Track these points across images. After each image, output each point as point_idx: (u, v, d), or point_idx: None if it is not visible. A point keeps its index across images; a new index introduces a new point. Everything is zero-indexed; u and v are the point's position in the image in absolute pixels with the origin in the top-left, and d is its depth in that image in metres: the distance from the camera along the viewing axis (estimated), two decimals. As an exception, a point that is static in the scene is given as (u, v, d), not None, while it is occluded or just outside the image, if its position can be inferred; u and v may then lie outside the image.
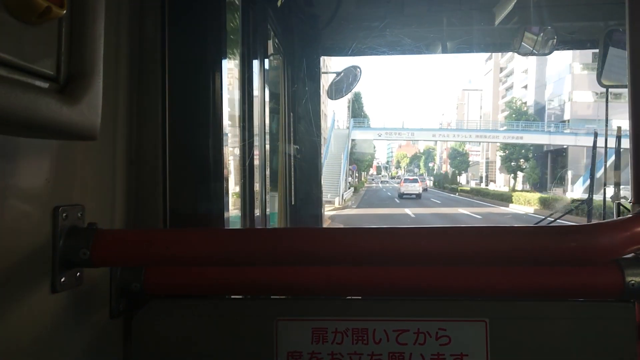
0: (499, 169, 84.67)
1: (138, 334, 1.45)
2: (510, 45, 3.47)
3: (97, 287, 1.34)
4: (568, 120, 58.33)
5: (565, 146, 54.89)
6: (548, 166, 60.84)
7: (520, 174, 62.77)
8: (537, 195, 36.41)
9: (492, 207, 37.24)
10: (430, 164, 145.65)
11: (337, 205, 32.78)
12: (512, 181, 63.90)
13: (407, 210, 31.49)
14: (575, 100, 58.44)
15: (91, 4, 0.95)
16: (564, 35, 3.41)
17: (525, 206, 33.49)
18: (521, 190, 51.14)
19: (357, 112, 55.90)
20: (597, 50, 2.79)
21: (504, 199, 41.07)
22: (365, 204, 39.40)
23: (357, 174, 62.86)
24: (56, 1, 0.81)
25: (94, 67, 0.94)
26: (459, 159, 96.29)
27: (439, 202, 44.07)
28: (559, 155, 59.13)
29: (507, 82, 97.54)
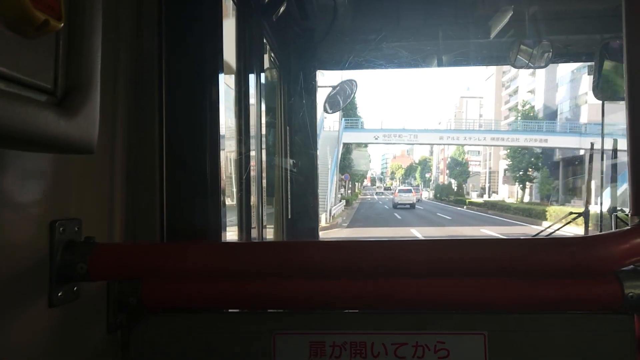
0: (502, 179, 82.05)
1: (135, 348, 1.43)
2: (506, 58, 3.49)
3: (94, 301, 1.32)
4: (585, 124, 54.21)
5: (581, 152, 49.54)
6: (560, 176, 57.62)
7: (527, 184, 58.68)
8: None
9: (522, 225, 30.91)
10: (427, 175, 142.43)
11: (323, 224, 26.69)
12: (519, 192, 59.85)
13: (414, 231, 25.92)
14: (593, 103, 51.71)
15: (88, 17, 0.95)
16: (560, 48, 3.43)
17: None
18: (537, 203, 47.18)
19: (350, 114, 50.04)
20: (593, 63, 2.81)
21: (534, 214, 34.74)
22: (360, 221, 33.28)
23: (350, 185, 58.79)
24: (54, 14, 0.81)
25: (91, 81, 0.93)
26: (459, 169, 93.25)
27: (448, 217, 39.01)
28: (571, 164, 55.79)
29: (510, 87, 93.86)
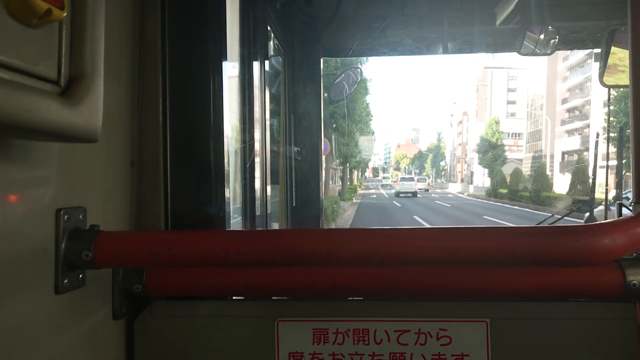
0: (559, 165, 64.72)
1: (140, 335, 1.45)
2: (512, 45, 3.46)
3: (99, 288, 1.34)
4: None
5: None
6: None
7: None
8: None
9: None
10: (442, 163, 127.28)
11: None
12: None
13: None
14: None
15: (91, 6, 0.95)
16: (566, 34, 3.40)
17: None
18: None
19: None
20: (599, 50, 2.78)
21: None
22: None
23: (347, 174, 41.35)
24: (56, 3, 0.81)
25: (94, 69, 0.94)
26: (492, 154, 72.59)
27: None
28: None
29: (571, 58, 66.53)
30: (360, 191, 54.79)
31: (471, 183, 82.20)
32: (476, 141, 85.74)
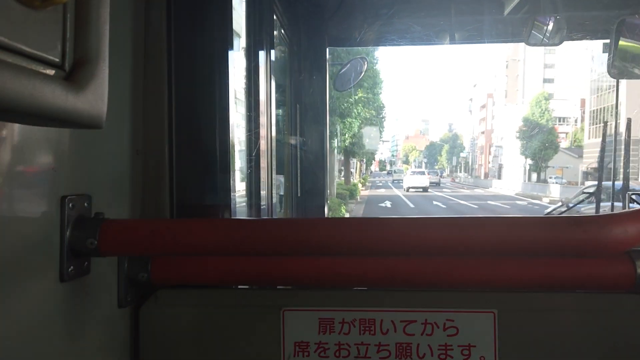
0: None
1: (145, 323, 1.45)
2: (520, 35, 3.43)
3: (104, 276, 1.33)
4: None
5: None
6: None
7: None
8: None
9: None
10: (462, 154, 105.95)
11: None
12: None
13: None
14: None
15: None
16: (575, 24, 3.37)
17: None
18: None
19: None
20: (608, 40, 2.75)
21: None
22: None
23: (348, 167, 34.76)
24: None
25: (99, 54, 0.92)
26: (540, 140, 54.14)
27: None
28: None
29: None
30: (363, 191, 38.66)
31: (498, 178, 68.17)
32: (512, 125, 68.31)
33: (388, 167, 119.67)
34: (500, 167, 77.03)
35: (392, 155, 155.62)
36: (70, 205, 1.17)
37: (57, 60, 0.87)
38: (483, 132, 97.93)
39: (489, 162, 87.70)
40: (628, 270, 1.23)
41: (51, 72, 0.85)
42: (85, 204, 1.23)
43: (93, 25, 0.91)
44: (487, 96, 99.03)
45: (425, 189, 48.49)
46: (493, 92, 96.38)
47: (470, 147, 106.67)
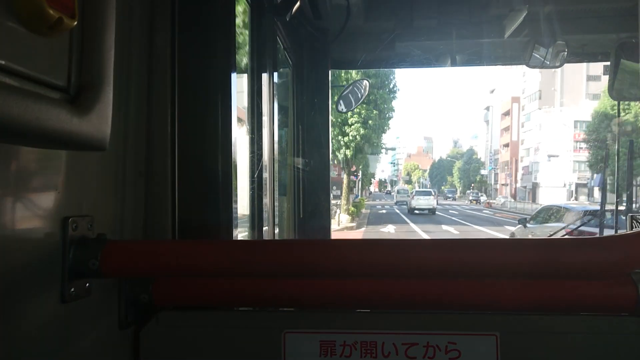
0: None
1: (146, 345, 1.44)
2: (521, 58, 3.46)
3: (106, 298, 1.33)
4: None
5: None
6: None
7: None
8: None
9: None
10: (483, 172, 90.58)
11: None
12: None
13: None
14: None
15: (102, 15, 0.96)
16: (575, 47, 3.39)
17: None
18: None
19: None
20: (608, 63, 2.77)
21: None
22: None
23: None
24: (67, 12, 0.81)
25: (104, 78, 0.94)
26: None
27: None
28: None
29: None
30: (353, 231, 26.19)
31: (532, 200, 55.69)
32: (553, 133, 57.44)
33: (389, 187, 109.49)
34: (534, 186, 62.03)
35: (394, 174, 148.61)
36: (73, 226, 1.17)
37: (63, 84, 0.89)
38: (507, 145, 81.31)
39: (516, 181, 71.05)
40: (630, 293, 1.22)
41: (57, 95, 0.87)
42: (88, 225, 1.23)
43: (98, 51, 0.93)
44: (511, 100, 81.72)
45: (432, 211, 43.57)
46: (520, 95, 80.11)
47: (489, 163, 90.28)
